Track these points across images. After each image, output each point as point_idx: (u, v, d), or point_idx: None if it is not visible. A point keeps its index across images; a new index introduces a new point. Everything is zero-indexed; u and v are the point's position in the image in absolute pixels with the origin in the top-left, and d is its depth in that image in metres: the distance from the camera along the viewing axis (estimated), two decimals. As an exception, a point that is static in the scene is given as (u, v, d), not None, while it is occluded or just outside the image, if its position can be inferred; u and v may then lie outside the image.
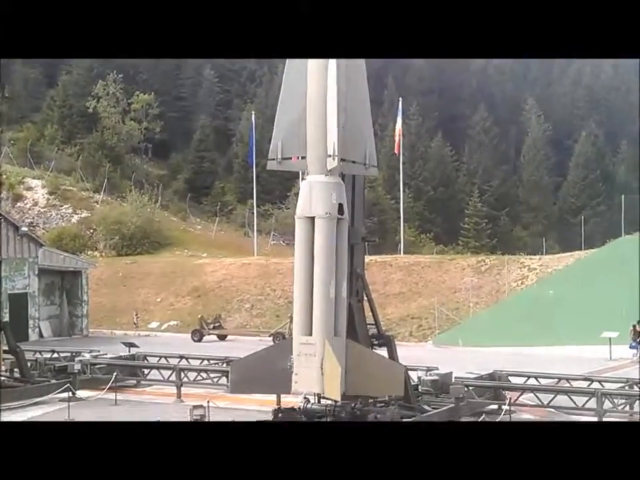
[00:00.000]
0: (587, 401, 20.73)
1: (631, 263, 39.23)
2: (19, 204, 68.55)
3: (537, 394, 21.95)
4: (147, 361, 28.70)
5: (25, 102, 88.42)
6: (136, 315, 49.20)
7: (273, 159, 15.97)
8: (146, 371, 27.80)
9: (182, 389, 25.24)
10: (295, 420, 16.24)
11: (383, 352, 19.06)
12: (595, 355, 32.87)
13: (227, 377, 22.86)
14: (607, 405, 20.49)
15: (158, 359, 28.58)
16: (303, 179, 16.40)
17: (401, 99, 59.94)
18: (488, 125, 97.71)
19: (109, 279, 54.68)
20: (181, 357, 27.98)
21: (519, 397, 22.16)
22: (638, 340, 33.18)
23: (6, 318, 36.27)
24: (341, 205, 15.67)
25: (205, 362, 27.71)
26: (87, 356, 27.79)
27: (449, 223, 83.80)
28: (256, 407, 21.58)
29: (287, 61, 15.99)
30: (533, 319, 39.16)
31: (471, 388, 21.92)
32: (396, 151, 60.46)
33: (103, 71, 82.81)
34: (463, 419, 20.02)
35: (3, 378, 25.17)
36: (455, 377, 21.74)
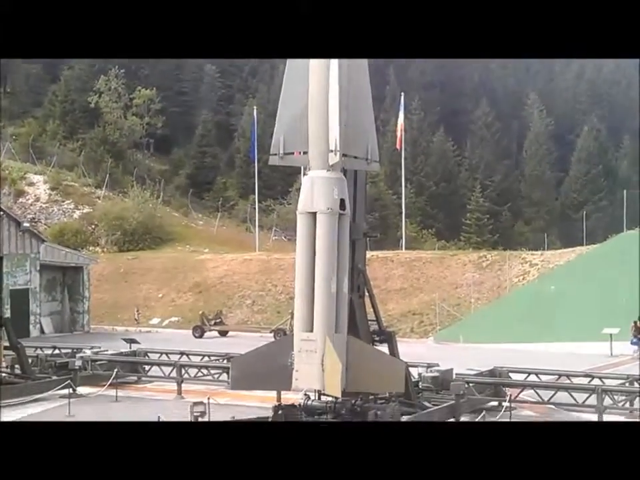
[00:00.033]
0: (588, 398, 20.74)
1: (633, 259, 39.10)
2: (20, 199, 68.64)
3: (538, 390, 21.95)
4: (148, 357, 28.72)
5: (26, 97, 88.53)
6: (137, 311, 49.22)
7: (275, 154, 15.90)
8: (147, 368, 27.85)
9: (182, 385, 25.29)
10: (295, 416, 16.25)
11: (384, 348, 19.05)
12: (596, 351, 32.92)
13: (227, 373, 22.91)
14: (607, 401, 20.50)
15: (159, 355, 28.61)
16: (304, 174, 16.36)
17: (402, 93, 59.92)
18: (490, 119, 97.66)
19: (110, 275, 54.72)
20: (182, 353, 28.02)
21: (519, 394, 22.19)
22: (639, 336, 33.20)
23: (7, 314, 36.33)
24: (342, 201, 15.61)
25: (206, 358, 27.76)
26: (88, 352, 27.83)
27: (451, 218, 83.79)
28: (256, 403, 21.60)
29: (289, 57, 15.97)
30: (534, 315, 39.19)
31: (471, 384, 21.95)
32: (398, 146, 60.42)
33: (104, 66, 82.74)
34: (463, 416, 20.05)
35: (3, 374, 25.18)
36: (456, 374, 21.78)
